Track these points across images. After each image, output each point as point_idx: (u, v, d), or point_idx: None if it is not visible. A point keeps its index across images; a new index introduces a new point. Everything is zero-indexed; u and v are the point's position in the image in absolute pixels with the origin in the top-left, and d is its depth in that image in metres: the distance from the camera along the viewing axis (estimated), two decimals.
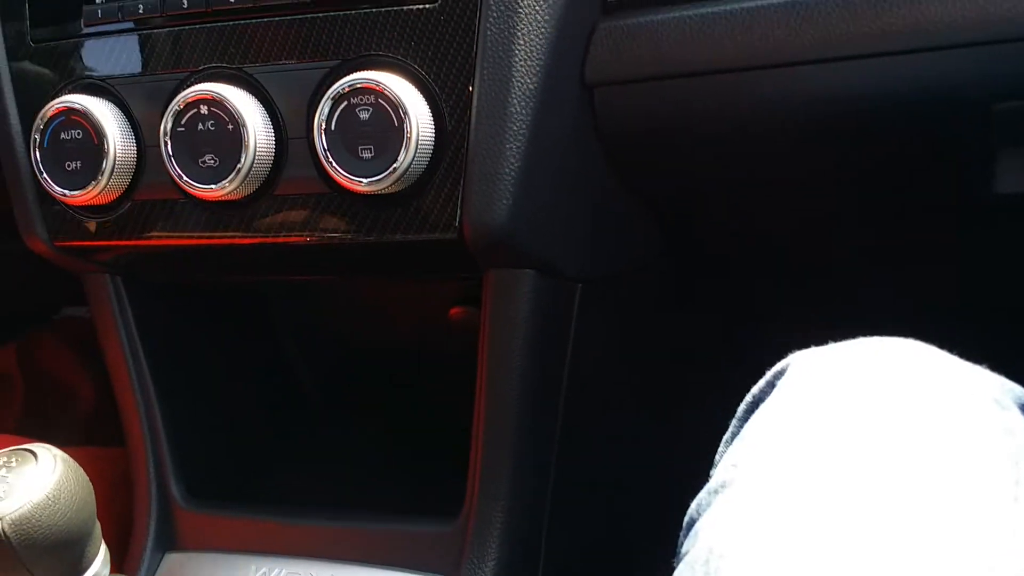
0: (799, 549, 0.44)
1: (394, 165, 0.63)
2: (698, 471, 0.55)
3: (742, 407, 0.56)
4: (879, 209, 0.74)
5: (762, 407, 0.53)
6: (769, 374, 0.55)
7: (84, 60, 0.74)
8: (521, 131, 0.64)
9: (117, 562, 0.78)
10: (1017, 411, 0.51)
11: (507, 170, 0.64)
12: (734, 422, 0.56)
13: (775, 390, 0.53)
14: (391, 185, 0.64)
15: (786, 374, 0.53)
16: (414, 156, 0.63)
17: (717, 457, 0.55)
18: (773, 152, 0.69)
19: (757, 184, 0.73)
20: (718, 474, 0.53)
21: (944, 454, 0.47)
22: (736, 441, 0.54)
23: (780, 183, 0.73)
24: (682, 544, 0.52)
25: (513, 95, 0.63)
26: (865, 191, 0.72)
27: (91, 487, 0.59)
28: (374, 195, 0.65)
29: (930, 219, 0.75)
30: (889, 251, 0.80)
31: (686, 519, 0.53)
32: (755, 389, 0.55)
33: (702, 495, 0.53)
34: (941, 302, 0.87)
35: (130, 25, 0.72)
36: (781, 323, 0.82)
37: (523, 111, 0.64)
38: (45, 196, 0.74)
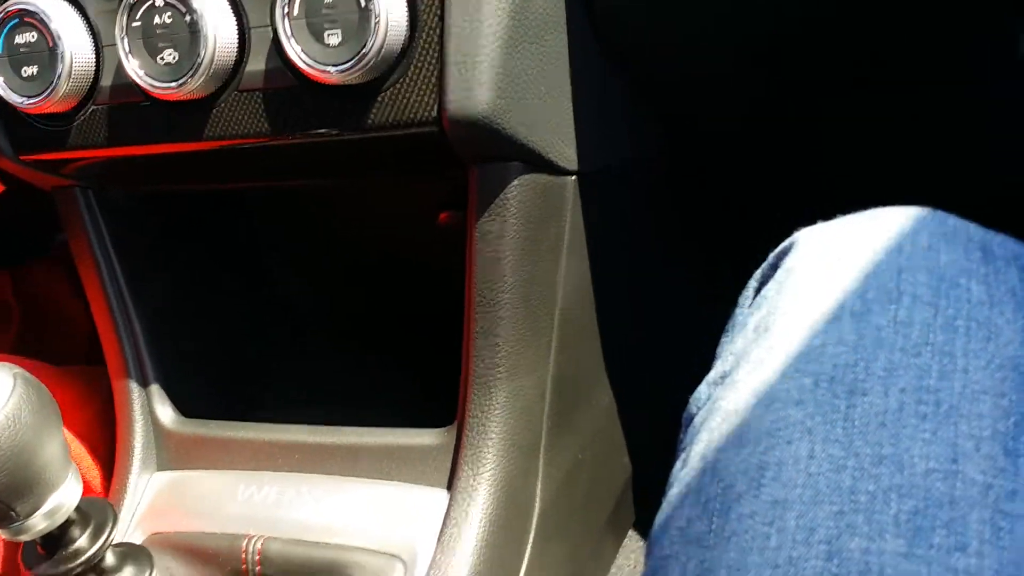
0: (800, 442, 0.41)
1: (363, 51, 0.59)
2: (696, 369, 0.52)
3: (746, 292, 0.52)
4: (894, 79, 0.68)
5: (763, 290, 0.49)
6: (773, 254, 0.51)
7: None
8: (501, 7, 0.59)
9: (106, 482, 0.76)
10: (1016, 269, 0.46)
11: (487, 51, 0.59)
12: (736, 309, 0.52)
13: (778, 270, 0.49)
14: (362, 73, 0.59)
15: (791, 253, 0.49)
16: (384, 40, 0.58)
17: (718, 347, 0.52)
18: (768, 23, 0.63)
19: (759, 62, 0.68)
20: (718, 365, 0.49)
21: (965, 330, 0.43)
22: (737, 329, 0.50)
23: (780, 61, 0.68)
24: (681, 439, 0.49)
25: None
26: (880, 59, 0.66)
27: (55, 406, 0.56)
28: (345, 85, 0.61)
29: (947, 90, 0.69)
30: (901, 127, 0.75)
31: (684, 414, 0.50)
32: (758, 272, 0.51)
33: (701, 388, 0.49)
34: (956, 177, 0.82)
35: None
36: (783, 216, 0.78)
37: None
38: (5, 107, 0.70)
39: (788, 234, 0.52)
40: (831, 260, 0.46)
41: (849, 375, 0.42)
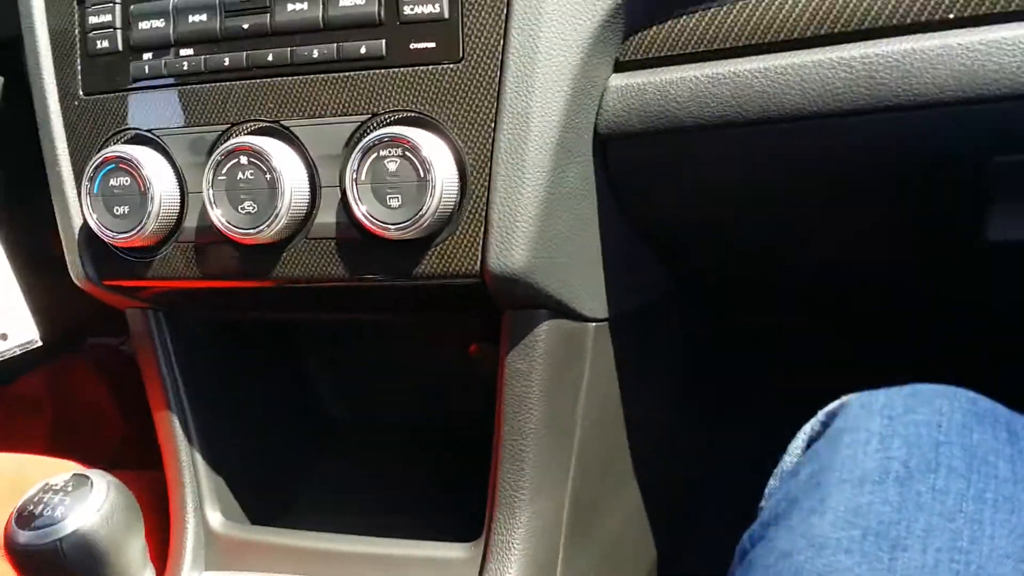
0: None
1: (420, 213, 0.68)
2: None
3: (796, 442, 0.58)
4: (878, 256, 0.78)
5: (815, 445, 0.55)
6: (822, 413, 0.57)
7: (132, 112, 0.79)
8: (539, 181, 0.68)
9: None
10: None
11: (525, 218, 0.68)
12: (786, 457, 0.58)
13: (830, 429, 0.55)
14: (417, 232, 0.69)
15: (840, 415, 0.55)
16: (438, 205, 0.68)
17: (767, 490, 0.57)
18: (772, 202, 0.73)
19: (756, 234, 0.77)
20: (771, 507, 0.54)
21: (993, 502, 0.49)
22: (789, 476, 0.55)
23: (778, 232, 0.77)
24: (734, 572, 0.54)
25: (531, 147, 0.68)
26: (863, 240, 0.76)
27: (139, 510, 0.64)
28: (401, 240, 0.70)
29: (931, 265, 0.78)
30: (894, 295, 0.84)
31: (738, 548, 0.55)
32: (807, 427, 0.57)
33: (755, 526, 0.55)
34: (952, 346, 0.90)
35: (174, 80, 0.77)
36: (786, 364, 0.86)
37: (541, 162, 0.68)
38: (94, 238, 0.79)
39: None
40: (878, 428, 0.52)
41: (893, 531, 0.47)
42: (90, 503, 0.59)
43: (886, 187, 0.71)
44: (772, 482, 0.57)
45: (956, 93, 0.62)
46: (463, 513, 0.81)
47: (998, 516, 0.47)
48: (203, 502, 0.85)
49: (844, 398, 0.56)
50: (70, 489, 0.61)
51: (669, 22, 0.69)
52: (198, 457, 0.86)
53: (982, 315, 0.87)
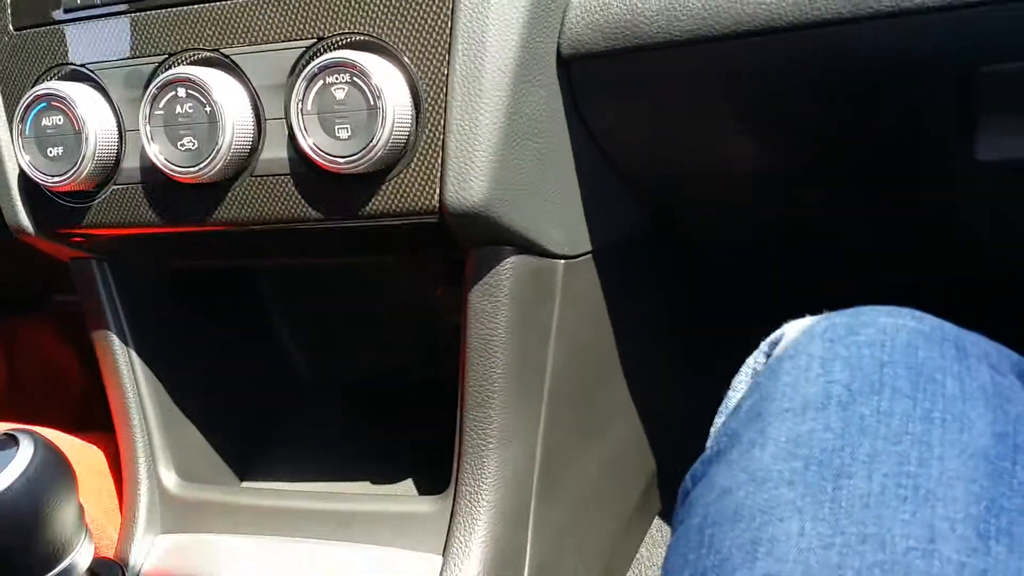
0: (792, 520, 0.44)
1: (371, 144, 0.63)
2: (684, 444, 0.55)
3: (738, 376, 0.56)
4: (862, 181, 0.73)
5: (757, 377, 0.53)
6: (764, 343, 0.55)
7: (65, 47, 0.74)
8: (498, 107, 0.64)
9: (108, 546, 0.79)
10: (1013, 377, 0.51)
11: (484, 147, 0.64)
12: (729, 392, 0.55)
13: (770, 359, 0.53)
14: (369, 164, 0.64)
15: (781, 343, 0.53)
16: (390, 135, 0.63)
17: (712, 428, 0.55)
18: (749, 122, 0.69)
19: (732, 158, 0.73)
20: (712, 444, 0.52)
21: (941, 422, 0.46)
22: (731, 412, 0.53)
23: (757, 161, 0.73)
24: (677, 513, 0.52)
25: (488, 70, 0.63)
26: (845, 163, 0.71)
27: (72, 472, 0.59)
28: (353, 175, 0.65)
29: (915, 189, 0.74)
30: (875, 223, 0.80)
31: (681, 488, 0.53)
32: (750, 359, 0.55)
33: (697, 465, 0.52)
34: (933, 272, 0.86)
35: (108, 10, 0.72)
36: (765, 297, 0.82)
37: (500, 87, 0.64)
38: (29, 183, 0.74)
39: (771, 313, 0.56)
40: (819, 352, 0.50)
41: (836, 459, 0.45)
42: (13, 465, 0.55)
43: (866, 107, 0.66)
44: (716, 420, 0.55)
45: None
46: (432, 468, 0.78)
47: (947, 436, 0.45)
48: (157, 462, 0.81)
49: (786, 325, 0.53)
50: None
51: None
52: (151, 415, 0.82)
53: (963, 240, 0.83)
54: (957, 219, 0.80)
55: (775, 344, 0.54)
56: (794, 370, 0.50)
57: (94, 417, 1.06)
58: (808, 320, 0.53)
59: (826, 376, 0.49)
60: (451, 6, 0.63)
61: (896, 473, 0.44)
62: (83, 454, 0.84)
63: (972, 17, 0.58)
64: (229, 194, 0.70)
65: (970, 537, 0.42)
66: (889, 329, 0.50)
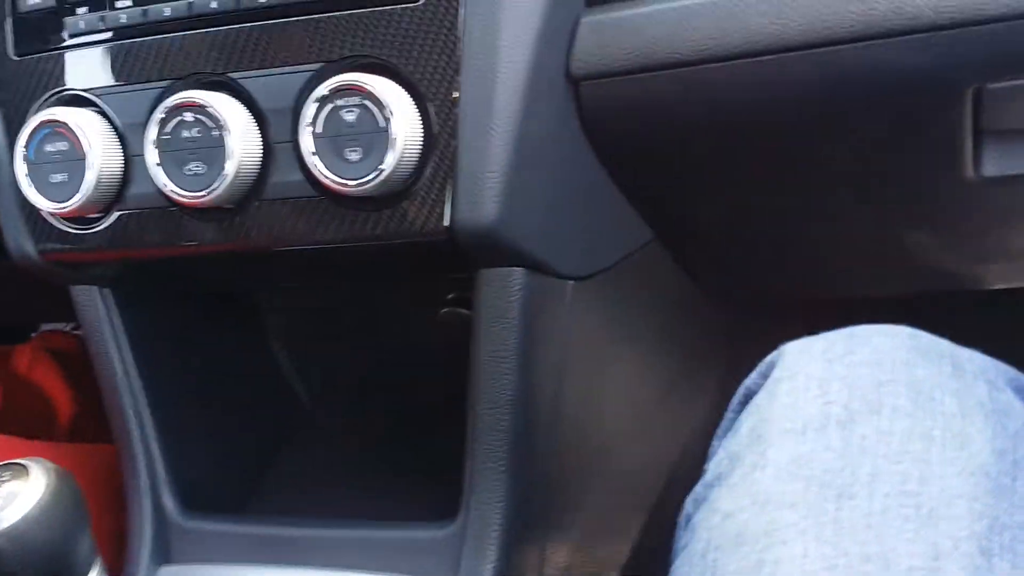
0: (795, 542, 0.44)
1: (380, 166, 0.63)
2: (697, 464, 0.55)
3: (736, 399, 0.56)
4: (863, 196, 0.74)
5: (755, 399, 0.53)
6: (761, 365, 0.55)
7: (68, 72, 0.73)
8: (508, 128, 0.64)
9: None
10: (1011, 393, 0.51)
11: (495, 168, 0.64)
12: (728, 414, 0.56)
13: (768, 380, 0.53)
14: (379, 187, 0.64)
15: (778, 365, 0.53)
16: (400, 157, 0.63)
17: (711, 451, 0.55)
18: (758, 143, 0.69)
19: (740, 178, 0.73)
20: (713, 467, 0.53)
21: (941, 440, 0.47)
22: (730, 434, 0.53)
23: (764, 178, 0.73)
24: (679, 538, 0.52)
25: (499, 91, 0.63)
26: (846, 178, 0.72)
27: (84, 500, 0.59)
28: (362, 197, 0.65)
29: (917, 205, 0.75)
30: (877, 237, 0.80)
31: (683, 513, 0.53)
32: (748, 381, 0.55)
33: (698, 488, 0.53)
34: (931, 287, 0.87)
35: (112, 35, 0.72)
36: (772, 310, 0.82)
37: (509, 108, 0.64)
38: (32, 210, 0.74)
39: (770, 335, 0.56)
40: (817, 373, 0.50)
41: (837, 480, 0.45)
42: (28, 494, 0.54)
43: (875, 122, 0.67)
44: (714, 442, 0.55)
45: (952, 15, 0.58)
46: (440, 493, 0.77)
47: (947, 454, 0.45)
48: (160, 492, 0.80)
49: (782, 347, 0.54)
50: (6, 479, 0.56)
51: None
52: (154, 445, 0.80)
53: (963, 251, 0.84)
54: (956, 234, 0.80)
55: (772, 365, 0.54)
56: (793, 391, 0.50)
57: (85, 437, 1.05)
58: (804, 341, 0.53)
59: (824, 396, 0.49)
60: (460, 28, 0.63)
61: (898, 492, 0.44)
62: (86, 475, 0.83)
63: (981, 34, 0.58)
64: (237, 219, 0.69)
65: (973, 555, 0.42)
66: (886, 347, 0.51)
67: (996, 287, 0.86)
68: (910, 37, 0.59)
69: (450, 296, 0.83)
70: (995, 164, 0.66)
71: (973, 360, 0.51)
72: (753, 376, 0.55)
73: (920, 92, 0.63)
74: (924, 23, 0.59)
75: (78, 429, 1.14)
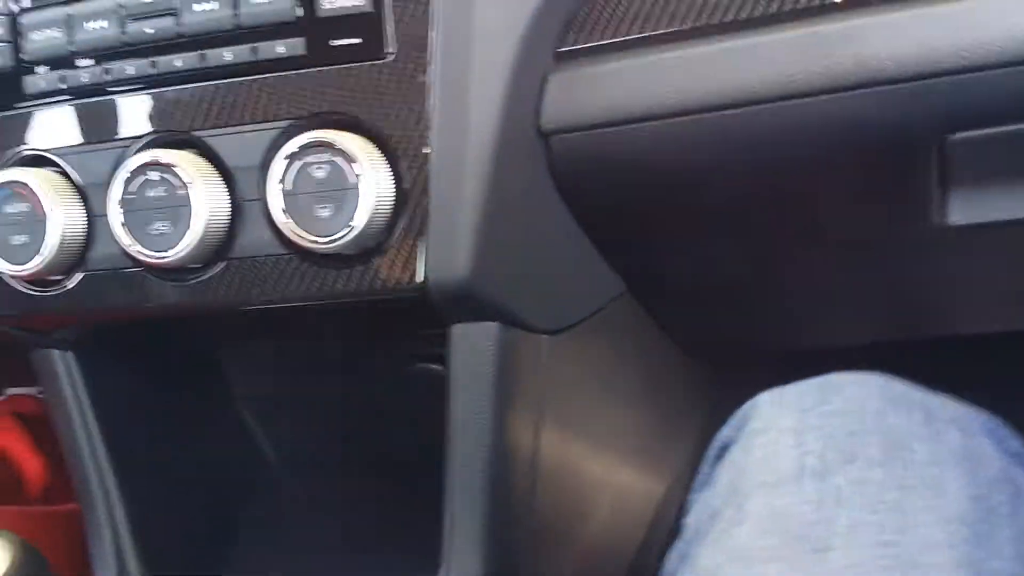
0: None
1: (351, 223, 0.62)
2: (675, 517, 0.55)
3: (711, 451, 0.56)
4: (830, 244, 0.75)
5: (731, 451, 0.53)
6: (735, 417, 0.55)
7: (28, 132, 0.72)
8: (479, 183, 0.64)
9: None
10: (985, 439, 0.51)
11: (467, 223, 0.63)
12: (703, 467, 0.55)
13: (742, 432, 0.53)
14: (350, 244, 0.63)
15: (752, 416, 0.53)
16: (372, 213, 0.63)
17: (688, 503, 0.55)
18: (723, 196, 0.69)
19: (705, 232, 0.74)
20: (692, 522, 0.52)
21: (916, 489, 0.47)
22: (707, 488, 0.53)
23: (730, 231, 0.74)
24: None
25: (470, 147, 0.63)
26: (815, 228, 0.73)
27: (49, 569, 0.57)
28: (334, 254, 0.64)
29: (882, 254, 0.75)
30: (846, 287, 0.81)
31: (664, 569, 0.52)
32: (722, 433, 0.55)
33: (679, 543, 0.52)
34: (904, 335, 0.88)
35: (74, 95, 0.71)
36: (749, 359, 0.82)
37: (480, 163, 0.63)
38: None
39: (751, 383, 0.56)
40: (790, 424, 0.50)
41: (815, 532, 0.45)
42: None
43: (841, 173, 0.68)
44: (692, 495, 0.55)
45: (915, 68, 0.59)
46: (416, 547, 0.75)
47: (922, 503, 0.45)
48: (125, 557, 0.77)
49: (755, 398, 0.54)
50: None
51: (610, 5, 0.65)
52: (118, 510, 0.78)
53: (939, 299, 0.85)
54: (924, 281, 0.81)
55: (746, 418, 0.54)
56: (768, 443, 0.50)
57: (56, 512, 1.02)
58: (777, 391, 0.54)
59: (799, 448, 0.49)
60: (430, 84, 0.63)
61: (876, 543, 0.44)
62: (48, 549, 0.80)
63: (941, 87, 0.59)
64: (204, 278, 0.68)
65: None
66: (859, 397, 0.51)
67: (970, 332, 0.87)
68: (875, 89, 0.60)
69: (418, 353, 0.82)
70: (962, 213, 0.66)
71: (946, 407, 0.52)
72: (728, 427, 0.55)
73: (886, 143, 0.63)
74: (887, 76, 0.60)
75: (50, 495, 1.11)
